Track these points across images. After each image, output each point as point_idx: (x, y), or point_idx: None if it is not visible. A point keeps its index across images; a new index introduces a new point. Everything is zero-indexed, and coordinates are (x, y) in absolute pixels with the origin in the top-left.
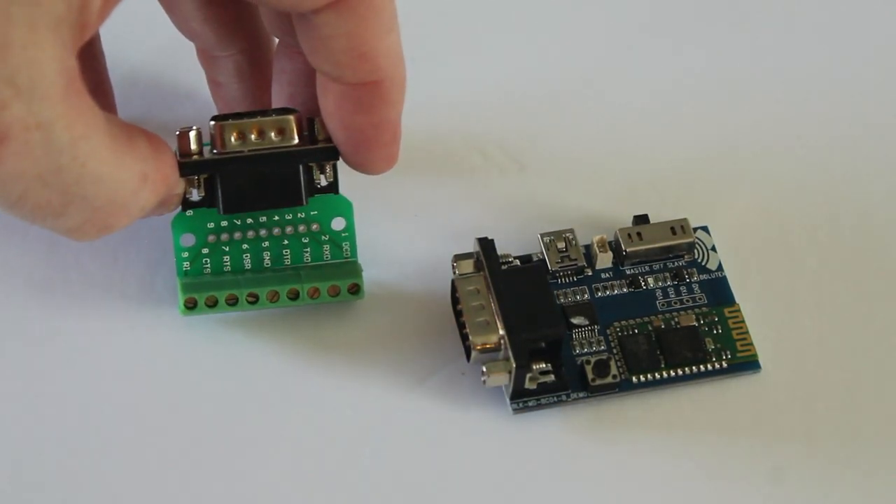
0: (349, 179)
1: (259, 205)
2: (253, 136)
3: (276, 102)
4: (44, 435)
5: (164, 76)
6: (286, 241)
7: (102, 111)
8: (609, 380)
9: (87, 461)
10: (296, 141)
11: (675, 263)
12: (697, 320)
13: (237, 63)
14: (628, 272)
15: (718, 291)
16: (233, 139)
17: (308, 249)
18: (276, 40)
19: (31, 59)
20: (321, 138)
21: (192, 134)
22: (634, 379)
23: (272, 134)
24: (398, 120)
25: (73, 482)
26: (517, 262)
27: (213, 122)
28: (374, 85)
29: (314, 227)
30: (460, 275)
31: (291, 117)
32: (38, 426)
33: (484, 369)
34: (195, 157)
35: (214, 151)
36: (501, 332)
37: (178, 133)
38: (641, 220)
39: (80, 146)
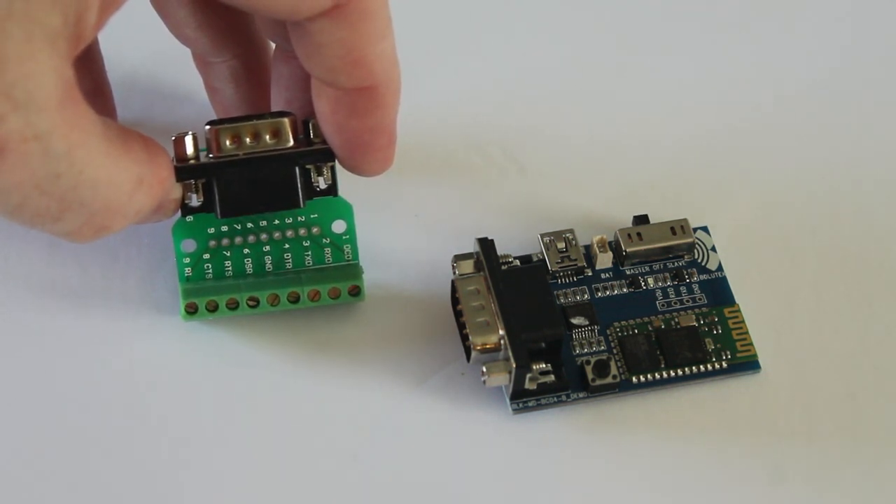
0: (349, 181)
1: (256, 208)
2: (248, 140)
3: (275, 106)
4: (44, 437)
5: (163, 78)
6: (287, 245)
7: (98, 116)
8: (609, 380)
9: (86, 463)
10: (291, 143)
11: (675, 263)
12: (697, 320)
13: (232, 68)
14: (628, 272)
15: (718, 291)
16: (228, 143)
17: (309, 253)
18: (272, 45)
19: (27, 72)
20: (317, 140)
21: (188, 139)
22: (634, 379)
23: (267, 137)
24: (393, 124)
25: (73, 484)
26: (517, 262)
27: (208, 127)
28: (368, 90)
29: (315, 230)
30: (460, 275)
31: (286, 120)
32: (39, 428)
33: (484, 369)
34: (191, 161)
35: (210, 156)
36: (501, 332)
37: (173, 138)
38: (641, 220)
39: (77, 153)
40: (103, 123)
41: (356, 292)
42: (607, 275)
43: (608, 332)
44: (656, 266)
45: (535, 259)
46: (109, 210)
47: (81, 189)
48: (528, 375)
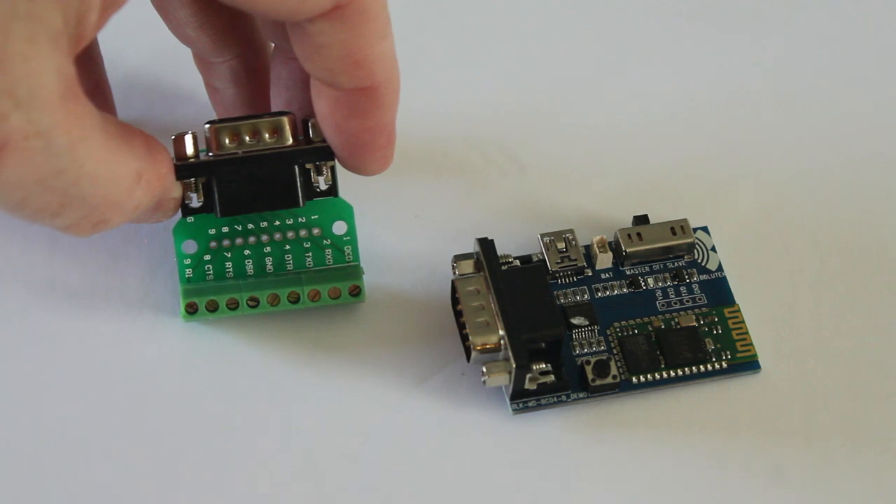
0: (348, 180)
1: (256, 207)
2: (247, 138)
3: (275, 107)
4: (44, 437)
5: (163, 78)
6: (288, 247)
7: (99, 111)
8: (609, 380)
9: (87, 463)
10: (290, 142)
11: (675, 264)
12: (697, 321)
13: (233, 68)
14: (628, 272)
15: (718, 292)
16: (227, 141)
17: (310, 254)
18: (272, 45)
19: (30, 70)
20: (316, 140)
21: (188, 138)
22: (634, 379)
23: (267, 135)
24: (393, 123)
25: (73, 484)
26: (517, 262)
27: (207, 126)
28: (368, 90)
29: (315, 231)
30: (460, 275)
31: (285, 118)
32: (39, 428)
33: (484, 369)
34: (191, 160)
35: (210, 154)
36: (501, 332)
37: (173, 137)
38: (641, 220)
39: (78, 149)
40: (103, 119)
41: (357, 292)
42: (607, 275)
43: (608, 332)
44: (656, 266)
45: (535, 259)
46: (108, 204)
47: (82, 184)
48: (528, 375)
